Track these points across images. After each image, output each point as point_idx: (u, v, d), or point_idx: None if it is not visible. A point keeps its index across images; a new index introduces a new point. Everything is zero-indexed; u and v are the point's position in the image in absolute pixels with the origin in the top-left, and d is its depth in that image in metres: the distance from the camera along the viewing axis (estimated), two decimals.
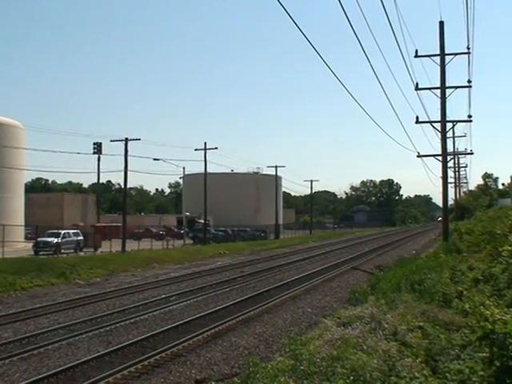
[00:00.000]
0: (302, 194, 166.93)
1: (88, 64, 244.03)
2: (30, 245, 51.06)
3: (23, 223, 64.73)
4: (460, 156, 71.71)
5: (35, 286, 30.77)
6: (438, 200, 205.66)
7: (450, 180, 66.73)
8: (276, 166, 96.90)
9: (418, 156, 38.20)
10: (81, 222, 75.64)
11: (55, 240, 48.66)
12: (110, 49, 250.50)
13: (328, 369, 9.03)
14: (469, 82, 36.20)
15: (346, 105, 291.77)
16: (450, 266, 21.97)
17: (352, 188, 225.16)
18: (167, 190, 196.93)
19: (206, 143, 67.95)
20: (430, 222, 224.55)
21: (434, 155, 35.74)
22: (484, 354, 9.16)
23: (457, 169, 75.64)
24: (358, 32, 18.08)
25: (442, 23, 32.30)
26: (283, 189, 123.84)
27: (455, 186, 76.17)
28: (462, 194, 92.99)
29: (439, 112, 32.44)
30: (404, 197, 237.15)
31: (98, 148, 77.58)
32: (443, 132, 32.72)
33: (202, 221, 74.24)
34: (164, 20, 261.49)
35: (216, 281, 32.76)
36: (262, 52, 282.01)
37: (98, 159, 78.69)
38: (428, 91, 33.32)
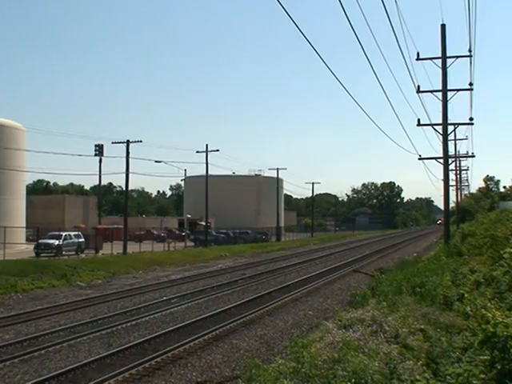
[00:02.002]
0: (304, 197, 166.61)
1: (90, 66, 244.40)
2: (31, 247, 51.04)
3: (24, 225, 64.71)
4: (461, 159, 71.78)
5: (36, 288, 30.79)
6: (439, 203, 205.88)
7: (452, 183, 66.76)
8: (277, 169, 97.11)
9: (419, 159, 38.22)
10: (82, 223, 75.72)
11: (56, 242, 48.60)
12: (112, 51, 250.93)
13: (329, 371, 9.03)
14: (470, 84, 36.13)
15: (348, 107, 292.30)
16: (451, 269, 21.95)
17: (353, 190, 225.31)
18: (169, 192, 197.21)
19: (207, 145, 68.05)
20: (431, 225, 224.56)
21: (435, 158, 35.73)
22: (485, 357, 9.15)
23: (458, 171, 75.66)
24: (359, 35, 18.11)
25: (443, 26, 32.30)
26: (284, 191, 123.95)
27: (456, 189, 76.17)
28: (463, 196, 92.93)
29: (441, 115, 32.45)
30: (405, 199, 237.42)
31: (99, 150, 77.69)
32: (445, 135, 32.71)
33: (204, 223, 74.30)
34: (167, 23, 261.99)
35: (217, 283, 32.76)
36: (264, 55, 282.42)
37: (100, 161, 78.85)
38: (429, 94, 33.32)
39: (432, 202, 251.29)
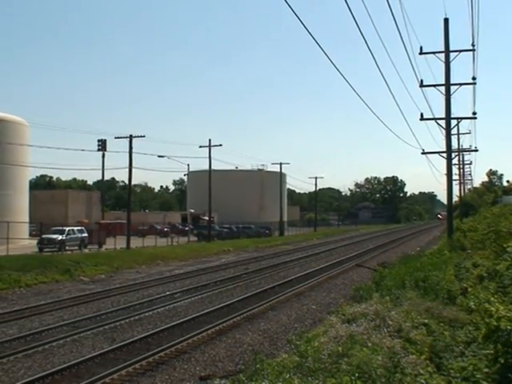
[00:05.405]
0: (307, 191, 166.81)
1: (92, 61, 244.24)
2: (34, 242, 51.09)
3: (28, 220, 64.80)
4: (465, 153, 71.65)
5: (40, 283, 30.84)
6: (442, 197, 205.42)
7: (455, 177, 66.65)
8: (280, 163, 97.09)
9: (422, 153, 38.15)
10: (85, 218, 75.71)
11: (60, 237, 48.65)
12: (115, 46, 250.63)
13: (333, 365, 9.03)
14: (473, 78, 36.13)
15: (351, 102, 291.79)
16: (454, 263, 21.98)
17: (356, 185, 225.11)
18: (172, 187, 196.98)
19: (210, 140, 68.07)
20: (434, 219, 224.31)
21: (438, 152, 35.66)
22: (488, 351, 9.15)
23: (461, 166, 75.54)
24: (363, 30, 18.07)
25: (446, 20, 32.17)
26: (288, 186, 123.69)
27: (460, 183, 76.11)
28: (466, 191, 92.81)
29: (444, 109, 32.35)
30: (408, 194, 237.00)
31: (102, 145, 77.46)
32: (448, 129, 32.61)
33: (207, 218, 74.31)
34: (169, 17, 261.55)
35: (220, 278, 32.79)
36: (267, 49, 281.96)
37: (103, 156, 78.54)
38: (433, 88, 33.23)
39: (435, 196, 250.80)
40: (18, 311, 22.02)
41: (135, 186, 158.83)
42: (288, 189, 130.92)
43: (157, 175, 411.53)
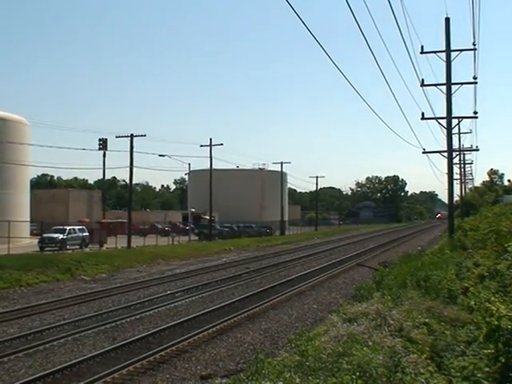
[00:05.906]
0: (308, 191, 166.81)
1: (93, 60, 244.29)
2: (35, 241, 51.17)
3: (29, 219, 64.81)
4: (465, 152, 71.59)
5: (41, 282, 30.86)
6: (443, 196, 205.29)
7: (456, 176, 66.60)
8: (281, 163, 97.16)
9: (423, 152, 38.20)
10: (86, 218, 75.75)
11: (61, 236, 48.68)
12: (116, 45, 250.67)
13: (334, 365, 9.03)
14: (474, 78, 36.07)
15: (352, 101, 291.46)
16: (455, 263, 21.94)
17: (357, 184, 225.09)
18: (173, 186, 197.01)
19: (211, 139, 68.12)
20: (434, 219, 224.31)
21: (439, 151, 35.69)
22: (489, 351, 9.14)
23: (462, 165, 75.48)
24: (364, 29, 18.06)
25: (447, 19, 32.14)
26: (289, 185, 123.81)
27: (461, 183, 76.02)
28: (467, 190, 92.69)
29: (445, 108, 32.34)
30: (409, 193, 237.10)
31: (103, 144, 77.58)
32: (449, 128, 32.59)
33: (208, 217, 74.33)
34: (169, 15, 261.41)
35: (221, 277, 32.79)
36: (267, 48, 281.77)
37: (104, 155, 78.71)
38: (434, 87, 33.23)
39: (436, 195, 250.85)
40: (18, 310, 22.03)
41: (136, 185, 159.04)
42: (289, 188, 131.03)
43: (158, 174, 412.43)
